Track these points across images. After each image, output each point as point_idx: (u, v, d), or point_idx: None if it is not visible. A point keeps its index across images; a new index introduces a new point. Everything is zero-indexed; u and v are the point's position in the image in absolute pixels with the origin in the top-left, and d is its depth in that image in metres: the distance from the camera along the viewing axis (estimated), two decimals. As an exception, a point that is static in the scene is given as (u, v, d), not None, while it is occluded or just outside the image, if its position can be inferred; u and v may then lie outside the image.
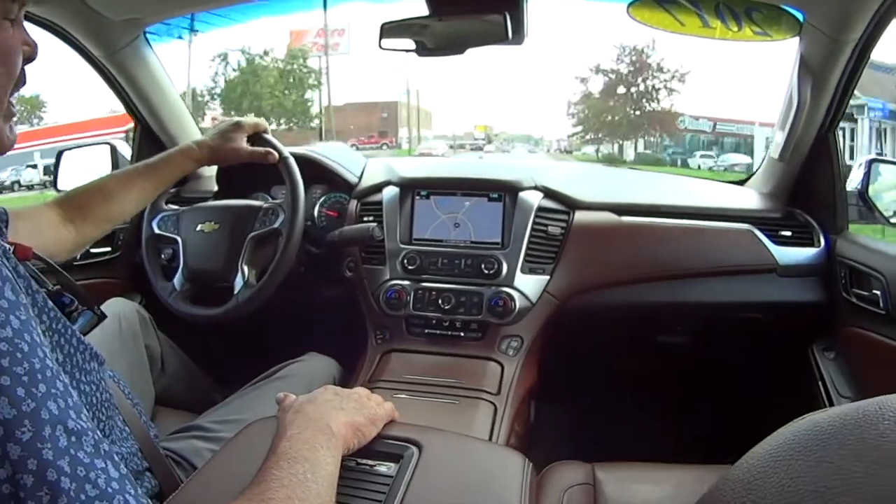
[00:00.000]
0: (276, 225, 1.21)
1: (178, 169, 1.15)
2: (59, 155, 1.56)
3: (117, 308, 1.15)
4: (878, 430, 0.36)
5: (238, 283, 1.19)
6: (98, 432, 0.40)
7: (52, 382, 0.37)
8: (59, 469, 0.35)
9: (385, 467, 0.67)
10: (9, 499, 0.35)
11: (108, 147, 1.55)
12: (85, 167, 1.55)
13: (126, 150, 1.56)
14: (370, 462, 0.68)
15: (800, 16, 1.17)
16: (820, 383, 1.25)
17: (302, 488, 0.50)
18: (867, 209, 1.30)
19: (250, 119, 1.20)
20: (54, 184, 1.55)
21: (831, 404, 1.21)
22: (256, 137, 1.20)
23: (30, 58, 0.53)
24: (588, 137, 23.20)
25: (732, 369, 1.56)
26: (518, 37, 1.17)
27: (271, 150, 1.19)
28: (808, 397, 1.26)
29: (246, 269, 1.19)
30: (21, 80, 0.52)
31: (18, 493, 0.34)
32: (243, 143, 1.17)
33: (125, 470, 0.39)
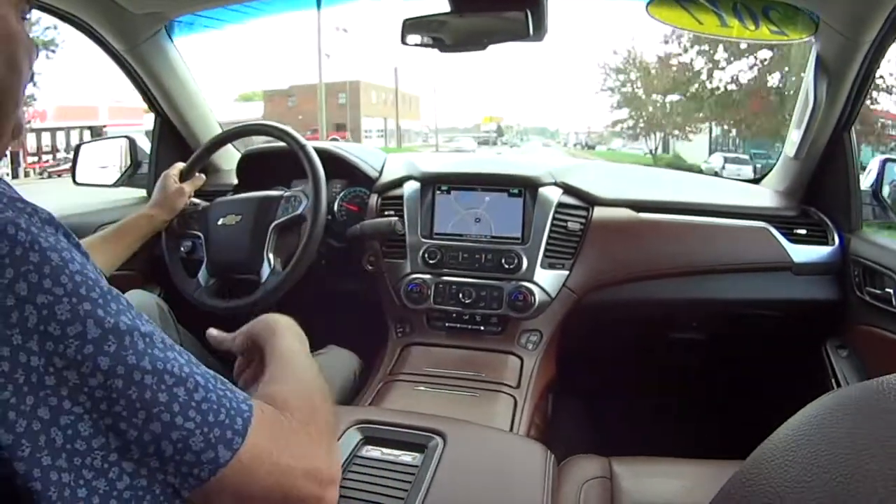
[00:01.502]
0: (299, 211, 1.22)
1: (142, 234, 1.26)
2: (77, 148, 1.57)
3: (137, 300, 1.16)
4: None
5: (265, 271, 1.20)
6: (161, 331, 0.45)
7: (118, 300, 0.42)
8: (143, 368, 0.41)
9: (410, 457, 0.68)
10: (101, 401, 0.39)
11: (126, 141, 1.56)
12: (104, 161, 1.56)
13: (145, 144, 1.57)
14: (395, 452, 0.69)
15: (816, 15, 1.18)
16: (833, 381, 1.26)
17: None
18: (881, 208, 1.32)
19: (173, 167, 1.34)
20: (73, 177, 1.55)
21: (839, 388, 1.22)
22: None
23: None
24: (626, 126, 18.76)
25: (747, 366, 1.57)
26: (539, 33, 1.18)
27: (198, 174, 1.35)
28: (821, 395, 1.27)
29: (272, 257, 1.21)
30: (31, 76, 0.54)
31: (112, 394, 0.39)
32: (175, 184, 1.30)
33: (188, 356, 0.45)
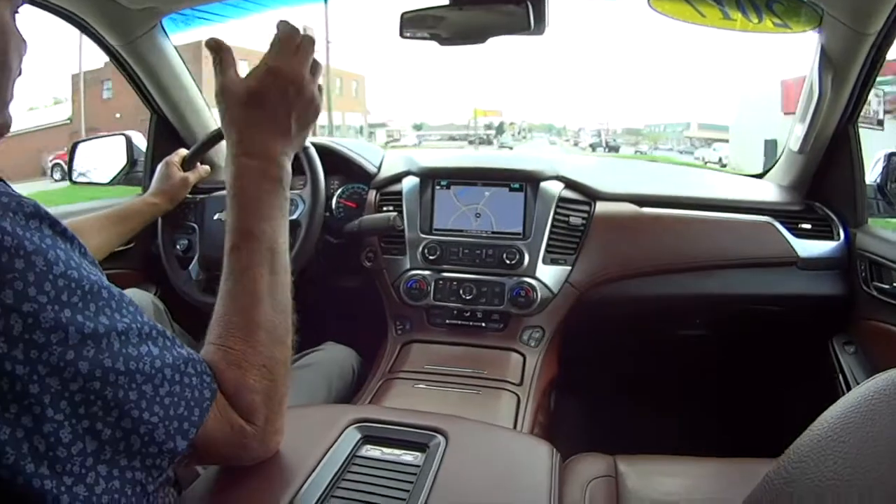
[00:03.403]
0: (294, 216, 1.20)
1: (142, 220, 1.25)
2: (73, 147, 1.55)
3: (133, 298, 1.14)
4: None
5: None
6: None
7: (98, 296, 0.43)
8: (117, 370, 0.43)
9: (411, 457, 0.66)
10: (80, 404, 0.41)
11: (123, 139, 1.54)
12: (100, 159, 1.55)
13: (141, 142, 1.55)
14: (396, 451, 0.67)
15: (820, 7, 1.17)
16: (840, 376, 1.24)
17: (266, 281, 0.59)
18: (886, 203, 1.30)
19: (175, 154, 1.33)
20: (69, 176, 1.54)
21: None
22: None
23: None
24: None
25: (752, 362, 1.55)
26: (540, 27, 1.16)
27: (203, 166, 1.35)
28: (828, 391, 1.26)
29: None
30: (20, 72, 0.53)
31: (89, 396, 0.41)
32: (179, 173, 1.30)
33: (163, 341, 0.48)
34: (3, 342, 0.38)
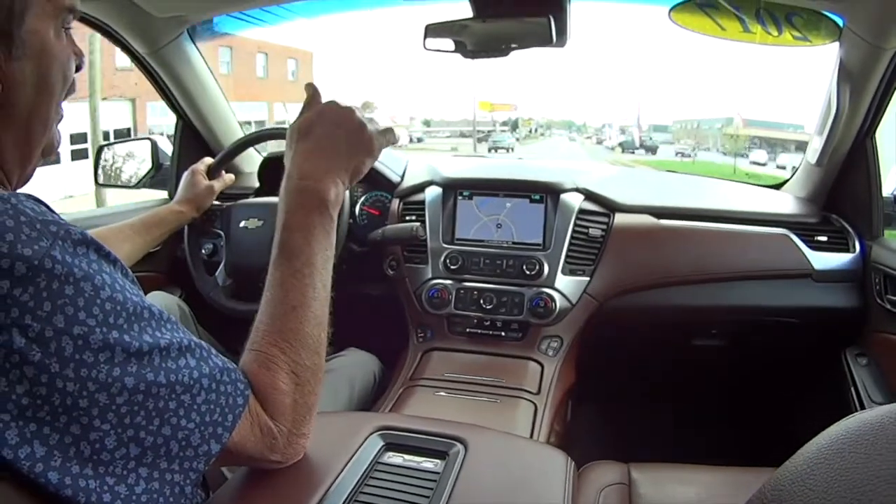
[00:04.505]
0: None
1: (169, 228, 1.25)
2: (99, 150, 1.58)
3: (158, 301, 1.17)
4: None
5: None
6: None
7: (141, 316, 0.47)
8: (159, 383, 0.46)
9: (431, 464, 0.68)
10: (126, 416, 0.44)
11: (149, 143, 1.57)
12: (126, 163, 1.58)
13: (167, 146, 1.58)
14: (417, 459, 0.69)
15: (840, 21, 1.17)
16: (852, 389, 1.26)
17: (302, 292, 0.62)
18: (902, 216, 1.31)
19: (201, 163, 1.33)
20: (95, 178, 1.57)
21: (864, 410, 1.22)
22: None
23: (79, 66, 0.54)
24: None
25: (766, 373, 1.57)
26: (562, 39, 1.18)
27: (228, 175, 1.35)
28: (841, 403, 1.27)
29: None
30: (72, 88, 0.54)
31: (134, 407, 0.45)
32: (205, 182, 1.30)
33: (200, 351, 0.52)
34: (55, 362, 0.41)
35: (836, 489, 0.38)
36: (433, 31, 1.20)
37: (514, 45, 1.19)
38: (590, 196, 1.36)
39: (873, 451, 0.39)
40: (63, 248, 0.42)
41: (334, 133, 0.69)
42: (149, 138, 1.58)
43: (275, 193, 1.36)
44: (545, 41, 1.15)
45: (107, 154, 1.57)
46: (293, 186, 0.66)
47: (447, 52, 1.23)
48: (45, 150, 0.53)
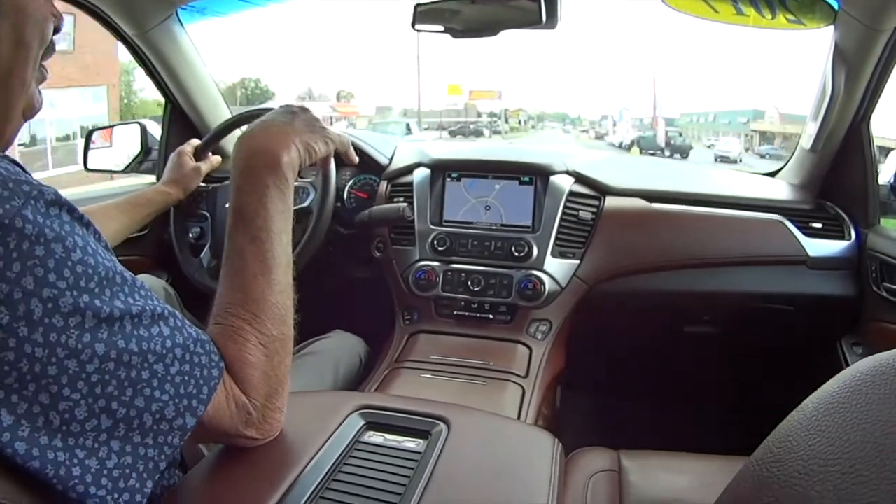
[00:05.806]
0: (306, 203, 1.21)
1: (155, 208, 1.26)
2: (88, 134, 1.57)
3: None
4: None
5: None
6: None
7: (113, 281, 0.45)
8: (130, 350, 0.45)
9: (413, 443, 0.66)
10: (97, 384, 0.43)
11: (138, 126, 1.56)
12: (115, 147, 1.56)
13: (156, 130, 1.57)
14: (398, 438, 0.67)
15: (835, 4, 1.16)
16: (847, 377, 1.24)
17: (262, 258, 0.60)
18: (898, 204, 1.29)
19: (188, 144, 1.35)
20: (84, 163, 1.56)
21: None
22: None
23: (57, 28, 0.54)
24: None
25: (759, 361, 1.55)
26: (552, 21, 1.17)
27: (214, 156, 1.36)
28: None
29: None
30: (51, 49, 0.53)
31: (104, 376, 0.43)
32: (191, 163, 1.32)
33: (174, 321, 0.50)
34: (23, 326, 0.39)
35: (856, 433, 0.36)
36: (423, 13, 1.19)
37: (503, 26, 1.19)
38: (580, 178, 1.35)
39: (893, 391, 0.37)
40: (35, 207, 0.41)
41: (286, 115, 0.69)
42: (138, 122, 1.57)
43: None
44: (535, 22, 1.14)
45: (96, 138, 1.56)
46: (245, 147, 0.64)
47: (437, 32, 1.22)
48: (26, 112, 0.52)
